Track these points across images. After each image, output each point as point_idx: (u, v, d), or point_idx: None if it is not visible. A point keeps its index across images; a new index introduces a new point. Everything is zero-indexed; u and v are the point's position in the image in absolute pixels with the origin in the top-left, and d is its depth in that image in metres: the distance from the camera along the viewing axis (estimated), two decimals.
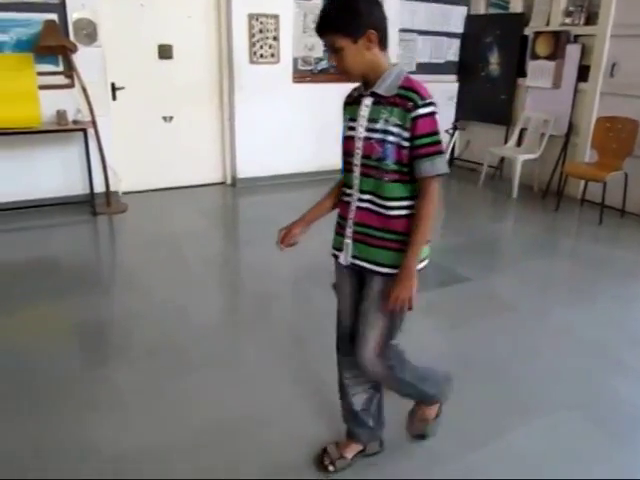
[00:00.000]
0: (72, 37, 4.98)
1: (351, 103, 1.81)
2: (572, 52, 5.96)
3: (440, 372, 2.18)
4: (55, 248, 4.37)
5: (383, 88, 1.69)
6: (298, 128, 6.35)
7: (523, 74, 6.60)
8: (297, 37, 6.10)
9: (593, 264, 4.33)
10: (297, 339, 3.11)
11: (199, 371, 2.74)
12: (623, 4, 5.45)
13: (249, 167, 6.23)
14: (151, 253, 4.32)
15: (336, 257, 1.91)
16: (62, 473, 2.05)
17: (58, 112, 4.92)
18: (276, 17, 5.89)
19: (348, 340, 1.94)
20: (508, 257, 4.69)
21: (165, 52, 5.64)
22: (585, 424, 2.41)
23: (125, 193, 5.65)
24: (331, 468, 2.07)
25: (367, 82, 1.74)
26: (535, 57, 6.36)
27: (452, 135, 7.15)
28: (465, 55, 7.32)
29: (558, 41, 6.03)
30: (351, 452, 2.12)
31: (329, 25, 1.65)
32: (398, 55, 6.67)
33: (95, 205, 5.15)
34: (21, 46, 4.86)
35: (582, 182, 5.82)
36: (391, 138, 1.67)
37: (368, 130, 1.71)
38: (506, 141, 6.74)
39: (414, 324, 3.25)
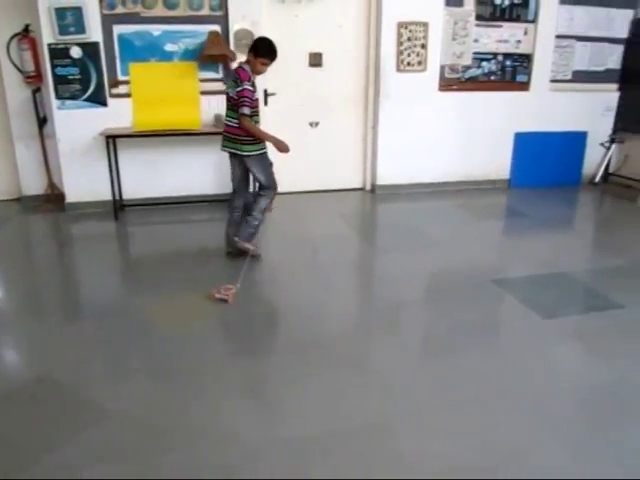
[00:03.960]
0: (232, 46, 5.33)
1: None
2: None
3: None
4: (204, 240, 4.75)
5: None
6: (442, 137, 6.26)
7: None
8: (445, 45, 6.01)
9: None
10: (428, 351, 3.07)
11: (335, 370, 2.79)
12: None
13: (389, 174, 6.25)
14: (293, 252, 4.52)
15: None
16: (198, 453, 2.20)
17: (215, 116, 5.29)
18: (425, 25, 5.86)
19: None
20: None
21: (315, 60, 5.85)
22: None
23: None
24: None
25: None
26: None
27: (608, 149, 6.64)
28: (630, 62, 6.72)
29: None
30: None
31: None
32: (553, 62, 6.32)
33: None
34: (187, 55, 5.31)
35: None
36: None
37: None
38: None
39: (552, 347, 3.11)
